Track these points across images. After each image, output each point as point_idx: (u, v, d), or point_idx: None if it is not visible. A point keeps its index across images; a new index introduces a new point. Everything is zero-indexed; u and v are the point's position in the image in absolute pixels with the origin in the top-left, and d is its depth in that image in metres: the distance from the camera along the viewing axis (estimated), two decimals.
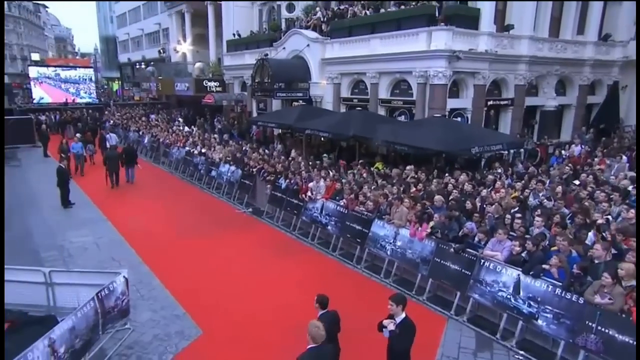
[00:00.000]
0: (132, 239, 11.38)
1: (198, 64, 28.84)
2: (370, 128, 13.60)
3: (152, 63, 41.38)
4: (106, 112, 35.29)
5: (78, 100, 35.91)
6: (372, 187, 10.75)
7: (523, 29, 15.79)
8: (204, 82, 27.63)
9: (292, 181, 12.40)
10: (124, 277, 7.04)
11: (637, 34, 14.77)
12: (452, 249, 7.88)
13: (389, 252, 9.12)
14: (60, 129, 29.49)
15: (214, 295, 8.45)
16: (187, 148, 18.89)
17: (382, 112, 16.58)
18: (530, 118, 17.99)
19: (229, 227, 12.50)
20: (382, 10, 16.74)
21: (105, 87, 64.83)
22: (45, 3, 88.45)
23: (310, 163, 13.85)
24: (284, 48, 19.79)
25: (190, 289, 8.65)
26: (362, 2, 17.81)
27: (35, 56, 73.49)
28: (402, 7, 16.01)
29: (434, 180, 10.84)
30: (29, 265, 7.82)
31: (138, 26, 47.05)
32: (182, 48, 32.17)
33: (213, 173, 16.27)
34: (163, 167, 20.61)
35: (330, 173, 12.40)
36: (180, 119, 28.85)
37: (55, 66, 40.99)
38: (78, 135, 21.07)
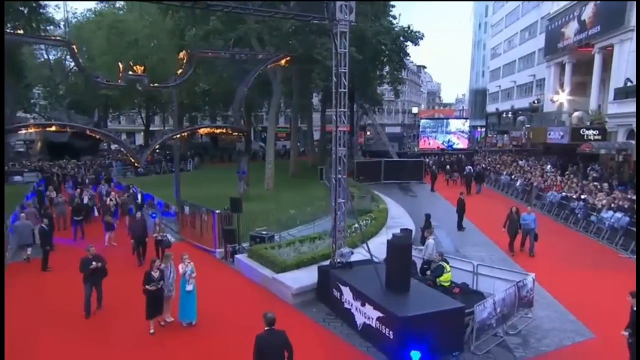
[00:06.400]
0: (517, 258, 13.96)
1: (577, 113, 28.95)
2: None
3: (520, 112, 43.97)
4: (476, 157, 40.17)
5: (455, 146, 43.00)
6: None
7: None
8: (581, 131, 27.59)
9: None
10: (532, 277, 9.56)
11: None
12: None
13: None
14: (440, 169, 35.80)
15: (600, 313, 9.74)
16: (563, 193, 20.01)
17: None
18: None
19: (610, 268, 13.18)
20: None
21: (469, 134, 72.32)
22: (425, 64, 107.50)
23: None
24: None
25: (579, 304, 10.26)
26: None
27: (414, 109, 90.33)
28: None
29: None
30: None
31: (510, 78, 50.79)
32: (560, 97, 33.00)
33: (592, 218, 16.85)
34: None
35: None
36: (549, 166, 29.86)
37: (438, 119, 50.35)
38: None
